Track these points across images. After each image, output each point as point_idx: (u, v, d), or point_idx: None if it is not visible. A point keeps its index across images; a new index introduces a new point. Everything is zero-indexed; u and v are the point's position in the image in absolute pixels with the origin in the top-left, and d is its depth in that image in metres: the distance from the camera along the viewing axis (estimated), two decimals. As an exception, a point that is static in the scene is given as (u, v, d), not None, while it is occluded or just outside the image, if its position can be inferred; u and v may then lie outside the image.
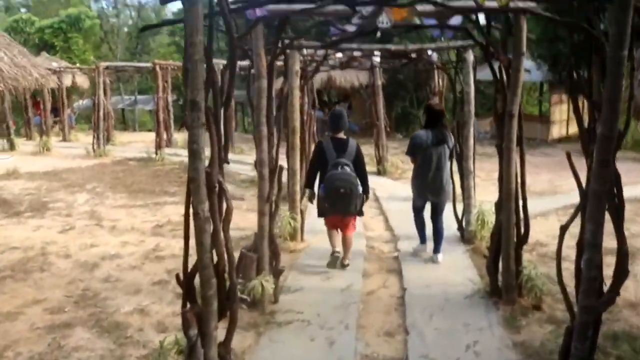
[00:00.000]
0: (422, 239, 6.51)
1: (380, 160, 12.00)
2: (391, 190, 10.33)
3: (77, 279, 5.95)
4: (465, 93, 6.72)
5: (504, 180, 4.86)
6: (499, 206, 5.03)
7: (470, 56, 6.64)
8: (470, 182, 6.92)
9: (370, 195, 10.12)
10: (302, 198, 7.01)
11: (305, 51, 6.92)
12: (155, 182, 11.57)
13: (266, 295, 4.83)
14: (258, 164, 4.79)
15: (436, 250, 6.24)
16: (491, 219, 6.69)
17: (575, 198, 3.84)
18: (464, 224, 7.00)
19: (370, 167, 13.58)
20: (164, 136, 15.65)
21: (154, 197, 10.08)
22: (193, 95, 2.93)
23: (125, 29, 33.65)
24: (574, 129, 23.15)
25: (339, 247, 6.00)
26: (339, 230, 6.02)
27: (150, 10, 34.49)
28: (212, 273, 3.17)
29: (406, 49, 6.55)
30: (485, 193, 7.66)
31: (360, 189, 5.70)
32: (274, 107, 4.84)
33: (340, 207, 5.68)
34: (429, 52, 7.09)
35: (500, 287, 5.02)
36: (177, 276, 3.44)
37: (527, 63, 20.51)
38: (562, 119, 22.49)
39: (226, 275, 3.31)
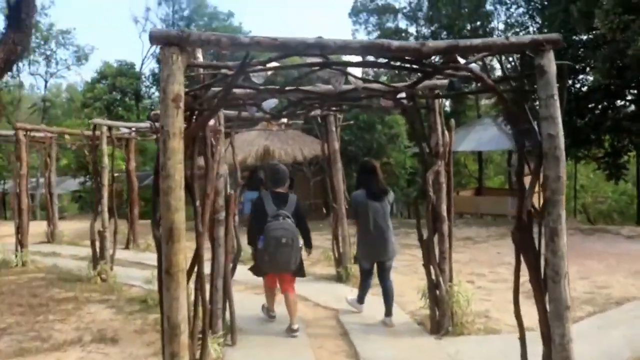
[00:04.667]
0: (362, 299, 6.29)
1: (340, 260, 8.06)
2: (364, 310, 6.47)
3: None
4: (547, 139, 3.11)
5: None
6: None
7: (550, 64, 3.10)
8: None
9: (333, 324, 6.35)
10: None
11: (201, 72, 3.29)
12: (-12, 307, 7.25)
13: None
14: None
15: (388, 313, 5.93)
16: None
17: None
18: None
19: (323, 268, 9.15)
20: (35, 229, 11.29)
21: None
22: None
23: (31, 102, 29.36)
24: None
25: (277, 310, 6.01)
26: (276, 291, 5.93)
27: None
28: None
29: (429, 49, 2.91)
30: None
31: (301, 242, 5.66)
32: None
33: (281, 260, 5.39)
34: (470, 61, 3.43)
35: None
36: None
37: (491, 129, 17.71)
38: (534, 191, 19.61)
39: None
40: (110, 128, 8.71)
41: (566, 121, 14.43)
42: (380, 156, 21.56)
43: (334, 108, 6.76)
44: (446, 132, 5.48)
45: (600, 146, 16.96)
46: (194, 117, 3.22)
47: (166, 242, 2.91)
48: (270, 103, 5.49)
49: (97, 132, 8.56)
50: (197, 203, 3.26)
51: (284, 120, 8.40)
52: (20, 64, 25.46)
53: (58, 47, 26.78)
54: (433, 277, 5.44)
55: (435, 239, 5.49)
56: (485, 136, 18.96)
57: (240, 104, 4.34)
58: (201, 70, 3.48)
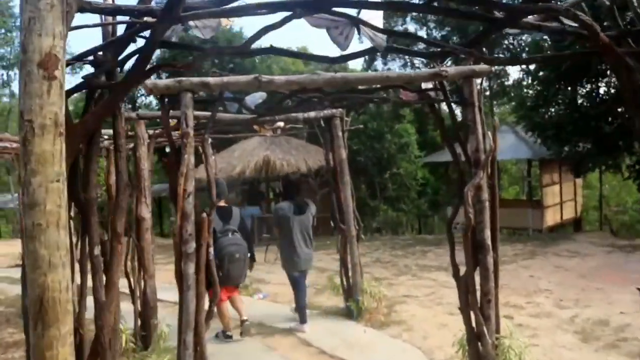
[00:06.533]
0: (304, 317, 6.17)
1: (350, 292, 6.64)
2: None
3: None
4: None
5: None
6: None
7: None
8: None
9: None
10: None
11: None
12: None
13: None
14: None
15: (303, 319, 6.15)
16: None
17: None
18: None
19: (329, 298, 7.35)
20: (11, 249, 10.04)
21: None
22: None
23: None
24: (568, 213, 18.99)
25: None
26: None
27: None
28: None
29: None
30: None
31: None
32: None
33: (234, 274, 5.57)
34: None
35: None
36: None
37: (508, 136, 16.26)
38: (555, 203, 18.23)
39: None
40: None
41: (592, 127, 12.82)
42: (390, 166, 20.29)
43: (339, 103, 5.44)
44: (488, 134, 4.14)
45: (630, 154, 15.49)
46: (95, 99, 1.91)
47: (34, 326, 1.59)
48: (256, 98, 4.18)
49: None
50: (96, 251, 1.93)
51: (280, 124, 7.05)
52: (11, 72, 24.33)
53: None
54: (474, 325, 4.09)
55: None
56: (503, 144, 17.58)
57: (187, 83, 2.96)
58: (109, 18, 2.10)
